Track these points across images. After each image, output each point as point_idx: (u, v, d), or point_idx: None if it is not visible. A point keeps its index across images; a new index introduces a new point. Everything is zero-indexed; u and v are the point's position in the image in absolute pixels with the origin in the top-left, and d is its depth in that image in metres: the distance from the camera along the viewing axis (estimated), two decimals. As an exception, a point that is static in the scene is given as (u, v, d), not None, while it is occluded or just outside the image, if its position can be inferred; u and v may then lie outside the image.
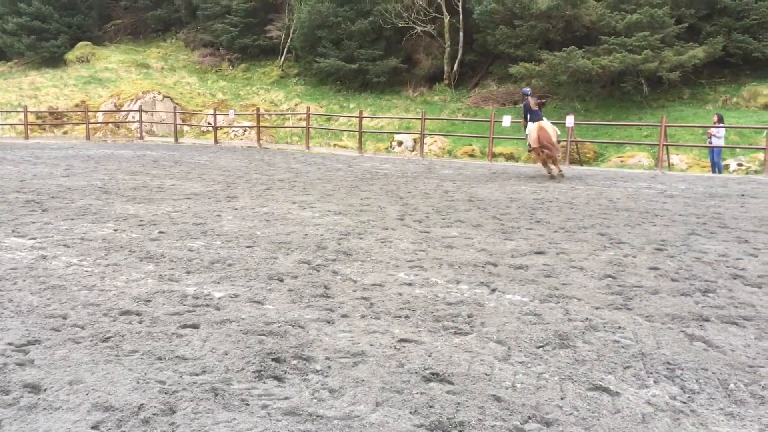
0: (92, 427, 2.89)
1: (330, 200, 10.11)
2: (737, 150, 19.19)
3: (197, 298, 4.83)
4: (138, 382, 3.34)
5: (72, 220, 8.11)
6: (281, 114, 30.13)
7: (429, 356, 3.75)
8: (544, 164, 14.33)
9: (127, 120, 30.23)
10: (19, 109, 28.60)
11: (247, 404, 3.13)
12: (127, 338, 3.98)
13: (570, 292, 5.06)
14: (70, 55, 37.22)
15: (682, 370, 3.59)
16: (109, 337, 3.99)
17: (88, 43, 38.39)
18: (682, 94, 24.33)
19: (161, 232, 7.32)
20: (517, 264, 5.97)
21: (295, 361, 3.65)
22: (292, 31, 33.70)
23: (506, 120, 18.96)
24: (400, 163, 17.91)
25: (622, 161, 20.24)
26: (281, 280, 5.34)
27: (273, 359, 3.66)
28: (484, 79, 30.67)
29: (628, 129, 22.46)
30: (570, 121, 18.15)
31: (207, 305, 4.65)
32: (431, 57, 31.68)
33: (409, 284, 5.28)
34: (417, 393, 3.26)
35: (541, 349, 3.89)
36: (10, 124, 29.15)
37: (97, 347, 3.84)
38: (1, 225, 7.69)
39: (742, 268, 5.88)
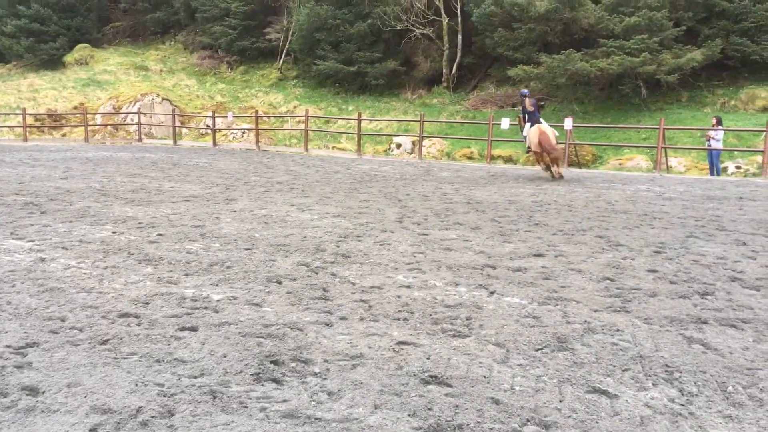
0: (90, 430, 2.89)
1: (329, 203, 10.11)
2: (735, 152, 19.22)
3: (196, 300, 4.83)
4: (136, 385, 3.34)
5: (70, 222, 8.10)
6: (280, 116, 30.14)
7: (427, 359, 3.75)
8: (547, 167, 14.38)
9: (125, 122, 30.23)
10: (17, 112, 28.60)
11: (246, 407, 3.12)
12: (125, 341, 3.98)
13: (568, 295, 5.06)
14: (68, 58, 37.22)
15: (681, 372, 3.59)
16: (108, 340, 3.99)
17: (87, 45, 38.39)
18: (681, 96, 24.37)
19: (160, 235, 7.32)
20: (515, 266, 5.98)
21: (293, 364, 3.65)
22: (290, 33, 33.73)
23: (505, 122, 18.98)
24: (399, 166, 17.92)
25: (620, 164, 20.27)
26: (280, 283, 5.34)
27: (271, 362, 3.66)
28: (482, 81, 30.71)
29: (626, 131, 22.49)
30: (568, 123, 18.17)
31: (205, 308, 4.65)
32: (430, 59, 31.72)
33: (408, 287, 5.28)
34: (415, 395, 3.26)
35: (539, 351, 3.89)
36: (8, 127, 29.13)
37: (96, 350, 3.83)
38: (-1, 227, 7.68)
39: (740, 271, 5.89)
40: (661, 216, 9.09)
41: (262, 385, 3.38)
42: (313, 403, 3.17)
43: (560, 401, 3.23)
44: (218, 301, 4.83)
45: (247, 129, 28.23)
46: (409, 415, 3.06)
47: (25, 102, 31.06)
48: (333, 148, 25.76)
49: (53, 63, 37.12)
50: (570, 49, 23.79)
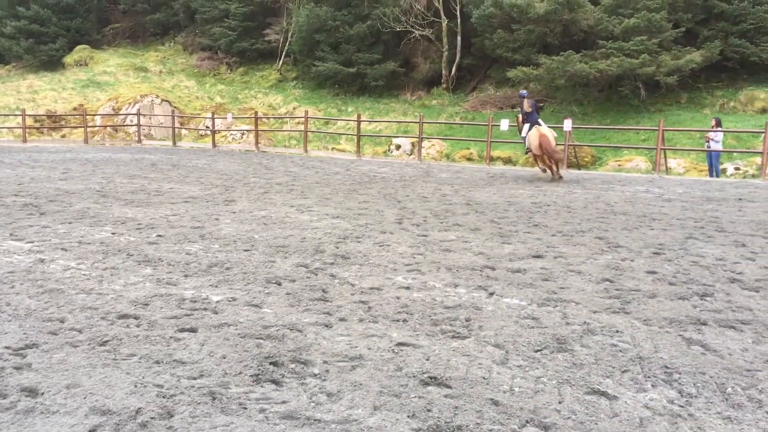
0: (90, 431, 2.89)
1: (328, 204, 10.11)
2: (734, 154, 19.23)
3: (195, 301, 4.83)
4: (135, 386, 3.34)
5: (70, 223, 8.10)
6: (279, 118, 30.14)
7: (427, 360, 3.75)
8: (548, 168, 14.41)
9: (125, 123, 30.23)
10: (17, 113, 28.59)
11: (245, 408, 3.12)
12: (124, 342, 3.98)
13: (568, 296, 5.07)
14: (68, 59, 37.22)
15: (680, 374, 3.59)
16: (107, 341, 3.99)
17: (87, 46, 38.39)
18: (680, 98, 24.39)
19: (159, 236, 7.32)
20: (514, 268, 5.98)
21: (293, 365, 3.65)
22: (290, 34, 33.74)
23: (504, 124, 18.99)
24: (398, 167, 17.93)
25: (619, 165, 20.28)
26: (279, 284, 5.34)
27: (271, 363, 3.66)
28: (482, 83, 30.73)
29: (625, 133, 22.51)
30: (568, 125, 18.18)
31: (205, 309, 4.65)
32: (429, 61, 31.74)
33: (407, 288, 5.28)
34: (415, 397, 3.26)
35: (539, 352, 3.89)
36: (8, 128, 29.13)
37: (95, 351, 3.83)
38: (-2, 228, 7.68)
39: (739, 272, 5.89)
40: (660, 217, 9.10)
41: (262, 386, 3.38)
42: (312, 404, 3.17)
43: (559, 402, 3.23)
44: (217, 302, 4.83)
45: (247, 130, 28.24)
46: (408, 416, 3.06)
47: (24, 103, 31.06)
48: (332, 149, 25.77)
49: (53, 64, 37.12)
50: (569, 51, 23.81)
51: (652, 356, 3.84)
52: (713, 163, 17.42)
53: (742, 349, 3.98)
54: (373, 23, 30.43)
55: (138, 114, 28.98)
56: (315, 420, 3.01)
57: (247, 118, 28.05)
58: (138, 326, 4.27)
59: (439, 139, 24.28)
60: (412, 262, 6.19)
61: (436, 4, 30.15)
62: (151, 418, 3.01)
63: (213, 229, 7.76)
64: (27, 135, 26.88)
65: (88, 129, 28.01)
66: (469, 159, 22.73)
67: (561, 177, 14.30)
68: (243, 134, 28.77)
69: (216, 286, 5.26)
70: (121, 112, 30.63)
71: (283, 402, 3.19)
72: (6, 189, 11.34)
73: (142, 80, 34.65)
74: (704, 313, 4.65)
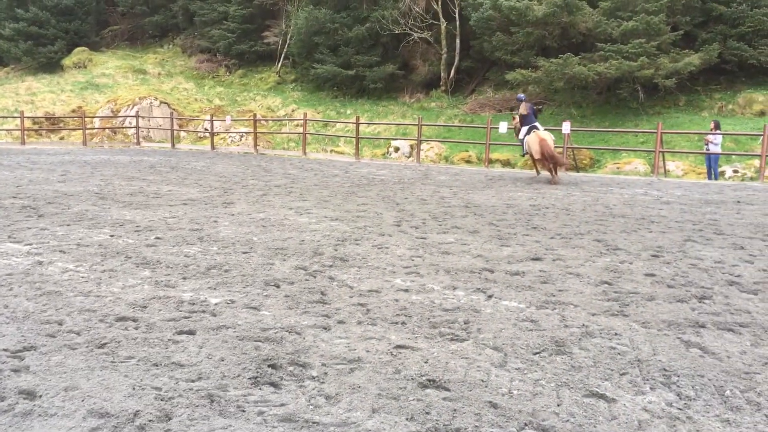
0: (87, 434, 2.88)
1: (327, 206, 10.11)
2: (733, 156, 19.26)
3: (193, 304, 4.83)
4: (134, 389, 3.34)
5: (68, 225, 8.09)
6: (278, 120, 30.16)
7: (425, 363, 3.75)
8: (549, 171, 14.43)
9: (123, 126, 30.22)
10: (15, 115, 28.57)
11: (243, 411, 3.12)
12: (123, 344, 3.97)
13: (566, 299, 5.07)
14: (67, 61, 37.23)
15: (679, 376, 3.59)
16: (105, 344, 3.98)
17: (85, 48, 38.41)
18: (678, 100, 24.43)
19: (158, 238, 7.31)
20: (513, 270, 5.98)
21: (291, 368, 3.64)
22: (289, 37, 33.77)
23: (503, 126, 19.01)
24: (397, 169, 17.93)
25: (618, 167, 20.30)
26: (278, 286, 5.34)
27: (269, 365, 3.66)
28: (480, 85, 30.76)
29: (624, 135, 22.54)
30: (566, 127, 18.20)
31: (203, 311, 4.64)
32: (428, 63, 31.78)
33: (406, 290, 5.28)
34: (413, 399, 3.26)
35: (537, 355, 3.89)
36: (6, 130, 29.11)
37: (93, 353, 3.83)
38: (-4, 230, 7.67)
39: (738, 275, 5.90)
40: (658, 220, 9.10)
41: (260, 388, 3.38)
42: (310, 407, 3.17)
43: (558, 405, 3.23)
44: (216, 304, 4.82)
45: (246, 132, 28.24)
46: (406, 419, 3.06)
47: (23, 105, 31.04)
48: (331, 151, 25.77)
49: (51, 66, 37.13)
50: (568, 53, 23.85)
51: (650, 359, 3.84)
52: (712, 165, 17.45)
53: (740, 351, 3.98)
54: (372, 26, 30.47)
55: (137, 116, 28.97)
56: (313, 423, 3.01)
57: (246, 120, 28.05)
58: (136, 329, 4.26)
59: (438, 141, 24.30)
60: (410, 264, 6.19)
61: (435, 7, 30.19)
62: (149, 420, 3.00)
63: (211, 232, 7.76)
64: (25, 137, 26.86)
65: (87, 131, 28.00)
66: (468, 161, 22.74)
67: (558, 179, 14.32)
68: (242, 136, 28.77)
69: (214, 289, 5.26)
70: (119, 114, 30.62)
71: (282, 405, 3.19)
72: (4, 191, 11.34)
73: (140, 82, 34.66)
74: (703, 316, 4.66)
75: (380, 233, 7.82)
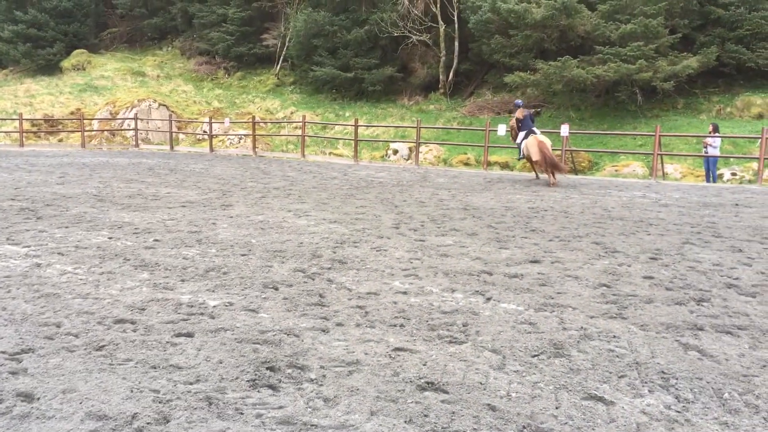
0: (85, 437, 2.88)
1: (325, 209, 10.11)
2: (731, 159, 19.28)
3: (192, 306, 4.82)
4: (132, 391, 3.33)
5: (66, 227, 8.09)
6: (277, 122, 30.16)
7: (424, 365, 3.75)
8: (547, 173, 14.45)
9: (122, 128, 30.21)
10: (14, 117, 28.55)
11: (242, 413, 3.12)
12: (121, 347, 3.97)
13: (565, 301, 5.07)
14: (65, 63, 37.23)
15: (677, 379, 3.59)
16: (103, 346, 3.98)
17: (84, 50, 38.40)
18: (677, 103, 24.46)
19: (156, 240, 7.31)
20: (512, 273, 5.98)
21: (289, 370, 3.64)
22: (288, 39, 33.78)
23: (501, 129, 19.02)
24: (396, 172, 17.94)
25: (616, 170, 20.31)
26: (276, 289, 5.34)
27: (268, 368, 3.66)
28: (479, 88, 30.78)
29: (622, 138, 22.56)
30: (565, 130, 18.21)
31: (202, 314, 4.64)
32: (427, 66, 31.80)
33: (404, 293, 5.28)
34: (412, 402, 3.26)
35: (536, 358, 3.89)
36: (5, 132, 29.08)
37: (91, 356, 3.82)
38: (-5, 233, 7.66)
39: (736, 278, 5.90)
40: (657, 222, 9.11)
41: (258, 391, 3.37)
42: (309, 409, 3.17)
43: (556, 408, 3.23)
44: (214, 307, 4.82)
45: (244, 135, 28.24)
46: (405, 421, 3.05)
47: (21, 107, 31.02)
48: (330, 154, 25.77)
49: (50, 68, 37.11)
50: (566, 56, 23.87)
51: (648, 361, 3.84)
52: (710, 168, 17.47)
53: (738, 354, 3.99)
54: (371, 28, 30.49)
55: (135, 118, 28.97)
56: (312, 425, 3.00)
57: (245, 122, 28.05)
58: (134, 331, 4.26)
59: (437, 143, 24.31)
60: (409, 267, 6.19)
61: (434, 10, 30.22)
62: (147, 423, 3.00)
63: (210, 234, 7.75)
64: (24, 139, 26.84)
65: (86, 133, 27.99)
66: (467, 164, 22.74)
67: (557, 182, 14.34)
68: (240, 139, 28.77)
69: (213, 291, 5.26)
70: (118, 117, 30.60)
71: (280, 407, 3.19)
72: (2, 193, 11.33)
73: (139, 84, 34.66)
74: (701, 319, 4.66)
75: (379, 236, 7.82)
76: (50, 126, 30.69)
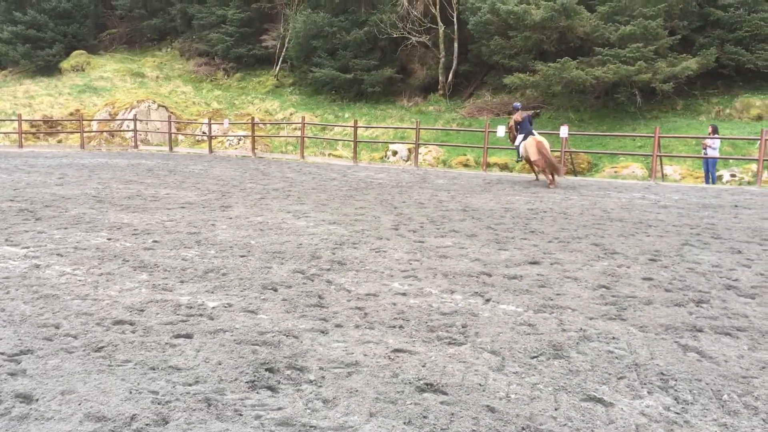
0: (84, 438, 2.87)
1: (324, 210, 10.11)
2: (730, 161, 19.30)
3: (191, 307, 4.82)
4: (131, 393, 3.33)
5: (65, 229, 8.08)
6: (276, 123, 30.16)
7: (423, 366, 3.74)
8: (545, 174, 14.45)
9: (121, 129, 30.20)
10: (13, 118, 28.54)
11: (241, 415, 3.11)
12: (120, 348, 3.97)
13: (564, 303, 5.07)
14: (65, 64, 37.21)
15: (676, 380, 3.59)
16: (102, 347, 3.97)
17: (83, 51, 38.39)
18: (676, 105, 24.47)
19: (155, 242, 7.31)
20: (511, 274, 5.98)
21: (288, 372, 3.64)
22: (287, 40, 33.78)
23: (500, 130, 19.02)
24: (395, 173, 17.94)
25: (615, 171, 20.32)
26: (275, 290, 5.33)
27: (266, 369, 3.65)
28: (478, 89, 30.79)
29: (621, 139, 22.57)
30: (564, 131, 18.22)
31: (201, 315, 4.64)
32: (426, 67, 31.80)
33: (404, 294, 5.28)
34: (411, 403, 3.26)
35: (535, 359, 3.89)
36: (3, 133, 29.07)
37: (90, 357, 3.82)
38: (-6, 234, 7.66)
39: (735, 279, 5.90)
40: (656, 224, 9.12)
41: (257, 392, 3.37)
42: (308, 410, 3.17)
43: (556, 409, 3.22)
44: (213, 308, 4.81)
45: (243, 136, 28.23)
46: (404, 423, 3.05)
47: (20, 108, 31.00)
48: (329, 155, 25.77)
49: (49, 69, 37.10)
50: (565, 58, 23.88)
51: (648, 363, 3.84)
52: (710, 169, 17.48)
53: (738, 355, 3.99)
54: (370, 29, 30.49)
55: (135, 119, 28.97)
56: (311, 426, 3.00)
57: (244, 123, 28.05)
58: (133, 332, 4.26)
59: (436, 145, 24.31)
60: (408, 268, 6.19)
61: (433, 11, 30.23)
62: (146, 424, 2.99)
63: (209, 235, 7.75)
64: (23, 140, 26.83)
65: (85, 134, 27.98)
66: (466, 165, 22.75)
67: (556, 183, 14.34)
68: (240, 140, 28.76)
69: (212, 292, 5.25)
70: (117, 118, 30.60)
71: (279, 408, 3.18)
72: (1, 194, 11.32)
73: (138, 85, 34.65)
74: (700, 320, 4.66)
75: (378, 237, 7.82)
76: (49, 127, 30.68)
